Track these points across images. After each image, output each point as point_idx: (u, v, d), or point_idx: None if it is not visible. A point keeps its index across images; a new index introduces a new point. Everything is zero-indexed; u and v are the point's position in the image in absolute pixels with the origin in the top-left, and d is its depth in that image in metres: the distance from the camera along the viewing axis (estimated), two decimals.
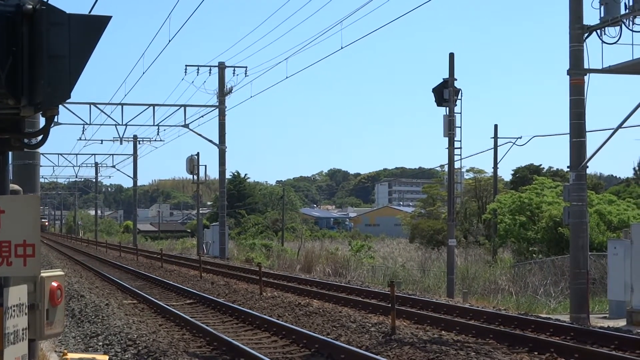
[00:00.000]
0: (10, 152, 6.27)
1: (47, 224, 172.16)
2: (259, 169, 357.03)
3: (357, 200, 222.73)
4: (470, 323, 19.41)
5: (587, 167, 22.43)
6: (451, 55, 32.05)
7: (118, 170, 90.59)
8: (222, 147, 53.98)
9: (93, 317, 21.64)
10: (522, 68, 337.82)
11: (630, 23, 20.94)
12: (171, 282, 32.16)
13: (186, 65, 51.05)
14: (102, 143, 77.43)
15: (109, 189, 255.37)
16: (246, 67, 52.08)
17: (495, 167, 57.45)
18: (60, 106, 5.88)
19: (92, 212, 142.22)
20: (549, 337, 17.49)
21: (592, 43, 22.15)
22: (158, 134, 66.40)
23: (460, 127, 32.07)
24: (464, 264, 42.64)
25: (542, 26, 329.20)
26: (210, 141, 54.10)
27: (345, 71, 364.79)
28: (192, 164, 61.64)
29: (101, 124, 55.46)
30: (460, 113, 31.96)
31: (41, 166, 13.08)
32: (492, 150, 55.71)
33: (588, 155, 22.26)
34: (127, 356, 15.58)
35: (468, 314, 21.24)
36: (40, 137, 6.16)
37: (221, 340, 16.69)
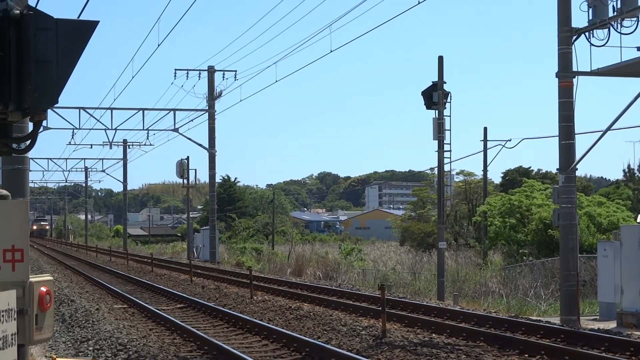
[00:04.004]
0: None
1: (47, 227, 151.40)
2: (249, 173, 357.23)
3: (347, 203, 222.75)
4: (460, 326, 19.44)
5: (577, 169, 22.48)
6: (440, 59, 32.08)
7: (108, 174, 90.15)
8: (212, 151, 53.97)
9: (83, 321, 21.59)
10: (512, 71, 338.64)
11: (619, 25, 21.00)
12: (162, 287, 32.12)
13: (176, 69, 51.10)
14: (91, 147, 77.42)
15: (99, 194, 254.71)
16: (236, 71, 52.18)
17: (485, 170, 57.51)
18: (49, 111, 5.89)
19: (82, 217, 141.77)
20: (539, 339, 17.53)
21: (580, 46, 22.20)
22: (148, 138, 66.13)
23: (450, 130, 32.08)
24: (454, 266, 42.66)
25: (531, 29, 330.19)
26: (200, 145, 54.13)
27: (334, 75, 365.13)
28: (182, 168, 61.55)
29: (91, 129, 55.49)
30: (450, 116, 31.98)
31: (30, 171, 13.05)
32: (482, 153, 55.84)
33: (577, 157, 22.31)
34: None
35: (458, 317, 21.26)
36: (28, 142, 6.15)
37: (212, 344, 16.69)
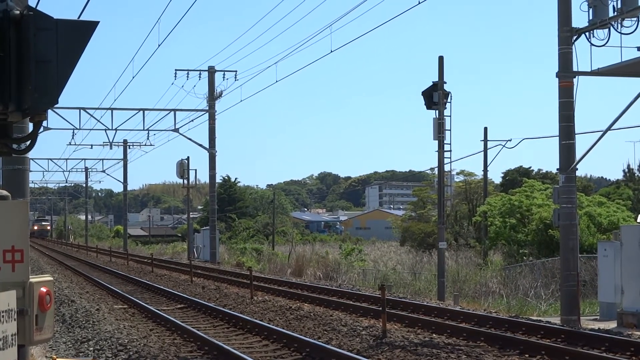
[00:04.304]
0: None
1: (48, 227, 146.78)
2: (250, 173, 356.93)
3: (347, 203, 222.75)
4: (461, 326, 19.44)
5: (577, 169, 22.47)
6: (440, 59, 32.08)
7: (108, 175, 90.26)
8: (212, 151, 53.96)
9: (84, 322, 21.60)
10: (512, 71, 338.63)
11: (619, 25, 21.00)
12: (162, 287, 32.11)
13: (176, 70, 51.10)
14: (92, 148, 77.04)
15: (99, 194, 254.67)
16: (236, 71, 52.16)
17: (485, 170, 57.51)
18: (49, 111, 5.88)
19: (83, 217, 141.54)
20: (539, 339, 17.53)
21: (580, 45, 22.21)
22: (148, 138, 66.03)
23: (450, 130, 32.06)
24: (454, 266, 42.67)
25: (531, 29, 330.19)
26: (201, 145, 54.11)
27: (334, 75, 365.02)
28: (182, 168, 61.55)
29: (91, 129, 55.50)
30: (450, 116, 31.95)
31: (31, 171, 13.04)
32: (482, 153, 55.84)
33: (577, 157, 22.30)
34: None
35: (459, 317, 21.26)
36: (28, 142, 6.14)
37: (212, 344, 16.68)
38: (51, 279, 7.71)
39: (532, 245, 43.27)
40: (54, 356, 13.33)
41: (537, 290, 31.56)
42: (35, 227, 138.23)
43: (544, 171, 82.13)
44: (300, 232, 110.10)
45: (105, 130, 52.98)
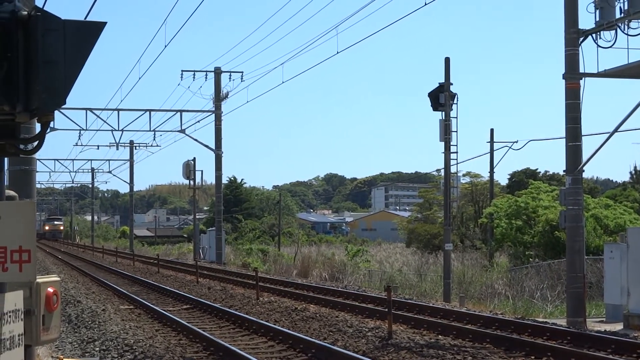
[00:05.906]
0: (6, 158, 6.26)
1: (62, 228, 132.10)
2: (256, 174, 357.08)
3: (353, 204, 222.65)
4: (467, 327, 19.43)
5: (583, 171, 22.47)
6: (447, 60, 32.09)
7: (114, 175, 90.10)
8: (219, 152, 54.01)
9: (90, 322, 21.63)
10: (519, 72, 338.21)
11: (626, 27, 20.99)
12: (168, 288, 32.15)
13: (182, 71, 51.23)
14: (98, 149, 77.48)
15: (106, 195, 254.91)
16: (242, 72, 52.18)
17: (491, 172, 57.47)
18: (56, 112, 5.88)
19: (89, 218, 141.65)
20: (545, 341, 17.51)
21: (587, 47, 22.20)
22: (154, 139, 65.93)
23: (456, 131, 32.13)
24: (460, 268, 42.63)
25: (537, 30, 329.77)
26: (207, 146, 54.17)
27: (341, 76, 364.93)
28: (189, 169, 61.63)
29: (97, 130, 55.63)
30: (456, 117, 32.03)
31: (37, 172, 13.07)
32: (489, 154, 55.78)
33: (584, 159, 22.28)
34: None
35: (465, 318, 21.24)
36: (35, 143, 6.15)
37: (218, 345, 16.70)
38: (58, 279, 7.74)
39: (538, 247, 43.20)
40: (61, 356, 13.35)
41: (543, 292, 31.53)
42: (47, 228, 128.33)
43: (550, 173, 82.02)
44: (306, 233, 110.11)
45: (112, 131, 53.16)
